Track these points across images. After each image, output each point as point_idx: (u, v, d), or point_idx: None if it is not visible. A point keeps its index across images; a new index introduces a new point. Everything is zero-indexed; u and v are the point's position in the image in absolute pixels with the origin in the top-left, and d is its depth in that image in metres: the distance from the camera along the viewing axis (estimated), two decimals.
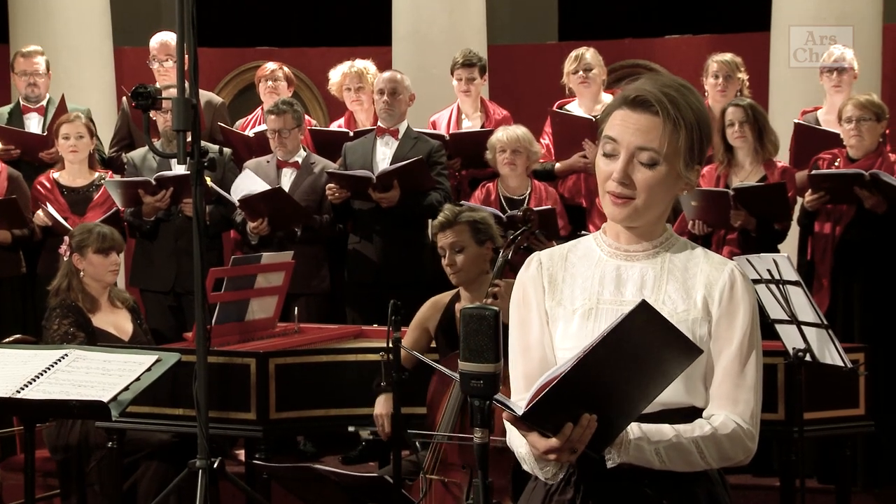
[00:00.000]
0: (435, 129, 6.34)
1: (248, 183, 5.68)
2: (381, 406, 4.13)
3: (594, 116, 5.89)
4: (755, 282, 3.96)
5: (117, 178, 6.12)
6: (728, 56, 6.04)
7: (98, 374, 3.57)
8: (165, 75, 6.51)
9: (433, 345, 4.38)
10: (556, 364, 2.18)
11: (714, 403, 2.15)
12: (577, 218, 5.97)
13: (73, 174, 6.06)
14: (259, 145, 6.18)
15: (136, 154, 6.05)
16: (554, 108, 6.20)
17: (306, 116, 6.45)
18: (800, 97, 6.47)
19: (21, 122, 6.49)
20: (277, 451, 4.90)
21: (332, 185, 5.75)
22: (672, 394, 2.07)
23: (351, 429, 4.29)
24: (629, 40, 8.70)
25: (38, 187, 6.05)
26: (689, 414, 2.14)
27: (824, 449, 5.13)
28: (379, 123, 6.00)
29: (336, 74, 6.50)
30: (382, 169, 5.72)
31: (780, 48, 6.91)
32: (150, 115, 4.00)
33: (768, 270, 3.97)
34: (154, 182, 5.70)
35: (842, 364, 3.93)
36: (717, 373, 2.15)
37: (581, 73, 6.08)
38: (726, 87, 5.98)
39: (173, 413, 4.46)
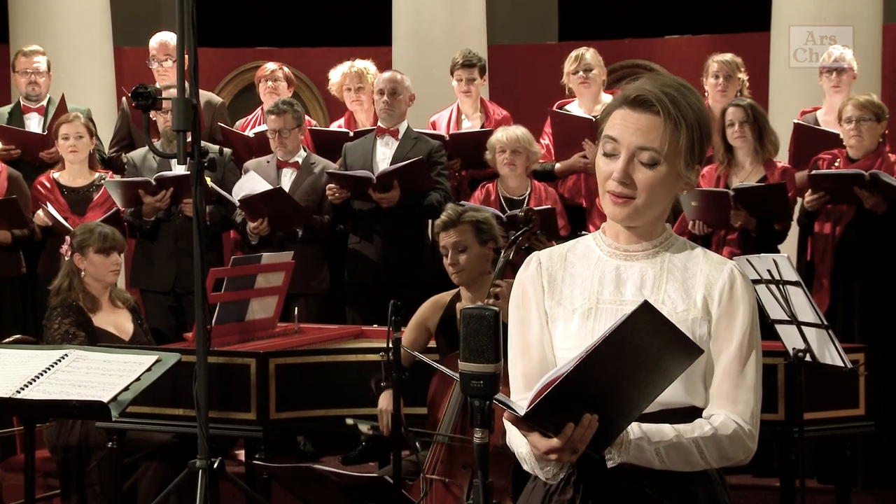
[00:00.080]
0: (435, 129, 6.35)
1: (252, 184, 5.68)
2: (386, 401, 4.12)
3: (594, 116, 5.89)
4: (755, 282, 3.96)
5: (117, 178, 6.12)
6: (728, 56, 6.04)
7: (98, 375, 3.57)
8: (165, 75, 6.51)
9: (432, 344, 4.38)
10: (555, 364, 2.18)
11: (714, 403, 2.15)
12: (577, 218, 5.97)
13: (73, 174, 6.06)
14: (259, 145, 6.18)
15: (137, 154, 6.05)
16: (554, 109, 6.20)
17: (306, 117, 6.45)
18: (800, 97, 6.47)
19: (21, 121, 6.49)
20: (277, 451, 4.90)
21: (332, 185, 5.75)
22: (672, 394, 2.07)
23: (349, 421, 4.28)
24: (629, 40, 8.70)
25: (39, 187, 6.05)
26: (689, 414, 2.14)
27: (824, 449, 5.13)
28: (379, 124, 6.00)
29: (336, 74, 6.50)
30: (382, 169, 5.72)
31: (780, 48, 6.91)
32: (150, 116, 3.99)
33: (768, 271, 3.97)
34: (154, 182, 5.70)
35: (842, 364, 3.93)
36: (716, 372, 2.15)
37: (581, 73, 6.08)
38: (726, 87, 5.98)
39: (173, 413, 4.46)
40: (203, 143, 3.97)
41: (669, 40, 8.67)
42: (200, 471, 3.70)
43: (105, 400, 3.44)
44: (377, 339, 4.79)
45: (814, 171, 5.36)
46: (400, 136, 5.92)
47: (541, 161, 5.94)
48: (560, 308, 2.21)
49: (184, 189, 5.59)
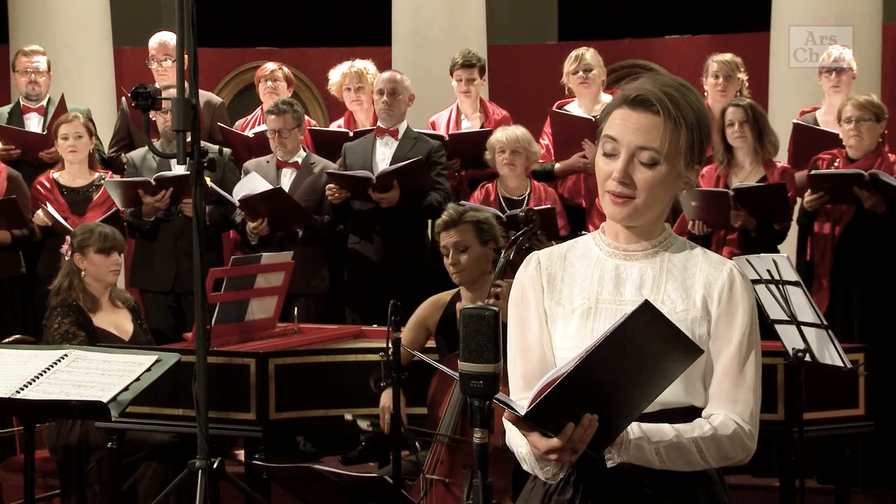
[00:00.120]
0: (434, 129, 6.35)
1: (254, 185, 5.67)
2: (389, 399, 4.11)
3: (593, 117, 5.89)
4: (755, 282, 3.96)
5: (117, 178, 6.12)
6: (728, 56, 6.04)
7: (98, 375, 3.57)
8: (164, 75, 6.51)
9: (430, 344, 4.38)
10: (554, 364, 2.18)
11: (713, 403, 2.15)
12: (576, 218, 5.97)
13: (72, 174, 6.06)
14: (259, 145, 6.18)
15: (136, 154, 6.05)
16: (553, 109, 6.20)
17: (306, 117, 6.45)
18: (800, 97, 6.47)
19: (21, 122, 6.49)
20: (277, 451, 4.90)
21: (331, 185, 5.75)
22: (671, 393, 2.07)
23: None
24: (629, 40, 8.70)
25: (38, 187, 6.05)
26: (689, 413, 2.14)
27: (824, 449, 5.13)
28: (378, 124, 6.00)
29: (336, 74, 6.50)
30: (382, 169, 5.72)
31: (779, 48, 6.91)
32: (150, 116, 3.99)
33: (768, 271, 3.97)
34: (154, 182, 5.70)
35: (841, 364, 3.93)
36: (716, 372, 2.15)
37: (581, 73, 6.08)
38: (726, 87, 5.98)
39: (173, 413, 4.46)
40: (203, 143, 3.97)
41: (669, 40, 8.67)
42: (200, 471, 3.70)
43: (105, 400, 3.44)
44: (377, 339, 4.79)
45: (813, 171, 5.36)
46: (399, 136, 5.92)
47: (540, 161, 5.94)
48: (559, 308, 2.21)
49: (183, 189, 5.59)
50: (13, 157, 6.29)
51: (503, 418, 2.02)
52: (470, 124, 6.37)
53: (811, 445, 5.00)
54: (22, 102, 6.55)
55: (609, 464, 2.05)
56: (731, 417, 2.12)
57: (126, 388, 3.52)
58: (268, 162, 5.93)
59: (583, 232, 5.22)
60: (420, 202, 5.72)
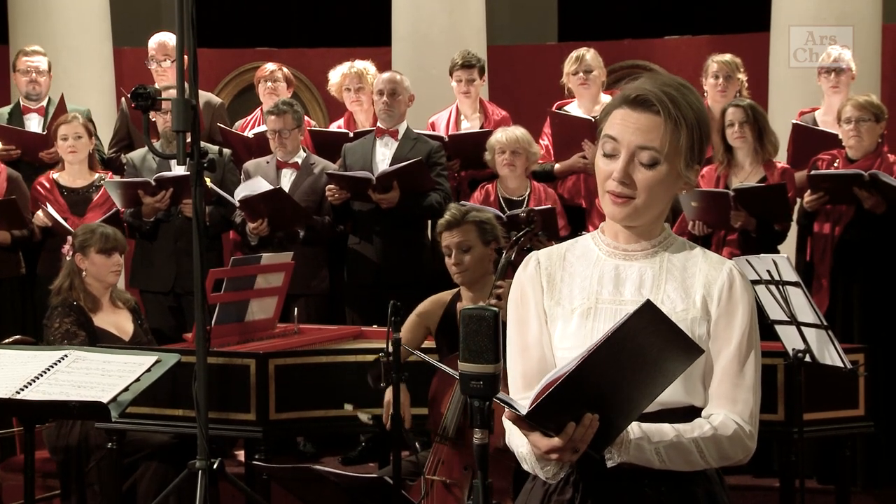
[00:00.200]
0: (434, 130, 6.34)
1: (256, 187, 5.67)
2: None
3: (593, 117, 5.89)
4: (755, 282, 3.96)
5: (117, 178, 6.12)
6: (728, 56, 6.04)
7: (98, 375, 3.57)
8: (163, 75, 6.51)
9: (429, 344, 4.37)
10: (554, 364, 2.18)
11: (713, 403, 2.15)
12: (576, 218, 5.97)
13: (72, 175, 6.06)
14: (258, 146, 6.18)
15: (136, 155, 6.05)
16: (553, 109, 6.20)
17: (306, 117, 6.45)
18: (799, 97, 6.47)
19: (21, 122, 6.49)
20: (277, 451, 4.90)
21: (331, 185, 5.75)
22: (671, 393, 2.07)
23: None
24: (629, 41, 8.70)
25: (38, 188, 6.05)
26: (689, 413, 2.14)
27: (824, 449, 5.13)
28: (378, 124, 6.00)
29: (335, 75, 6.49)
30: (382, 170, 5.72)
31: (779, 48, 6.91)
32: (150, 116, 3.99)
33: (768, 271, 3.97)
34: (154, 183, 5.70)
35: (841, 365, 3.93)
36: (716, 372, 2.15)
37: (581, 74, 6.08)
38: (726, 88, 5.98)
39: (173, 414, 4.47)
40: (202, 143, 3.97)
41: (669, 41, 8.67)
42: (200, 471, 3.70)
43: (105, 400, 3.44)
44: (377, 339, 4.79)
45: (813, 172, 5.36)
46: (399, 136, 5.92)
47: (540, 162, 5.94)
48: (559, 308, 2.21)
49: (183, 189, 5.59)
50: (13, 157, 6.29)
51: (503, 418, 2.02)
52: (469, 125, 6.37)
53: (811, 446, 5.00)
54: (22, 103, 6.56)
55: (609, 464, 2.05)
56: (731, 417, 2.12)
57: (126, 389, 3.52)
58: (268, 162, 5.93)
59: (583, 232, 5.23)
60: (420, 203, 5.72)
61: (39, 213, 5.92)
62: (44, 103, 6.54)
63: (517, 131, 5.75)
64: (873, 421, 4.52)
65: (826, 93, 5.92)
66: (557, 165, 6.05)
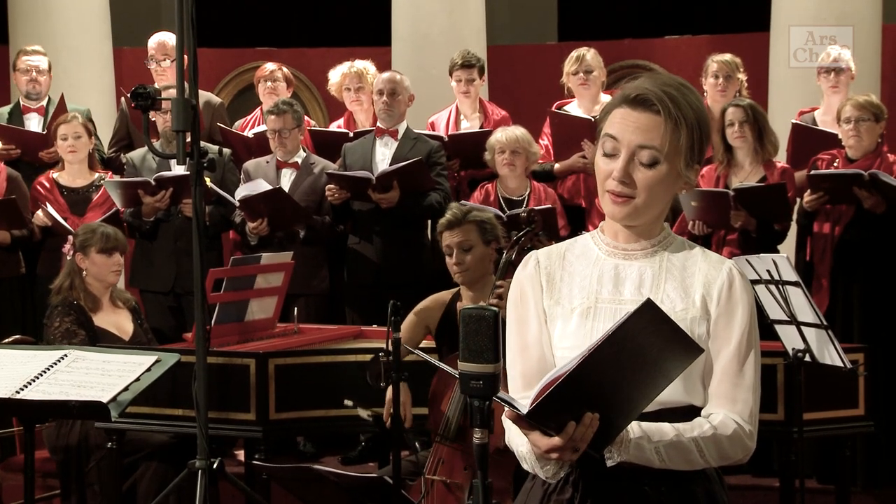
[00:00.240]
0: (433, 129, 6.34)
1: (257, 188, 5.67)
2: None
3: (593, 117, 5.89)
4: (755, 282, 3.96)
5: (117, 178, 6.12)
6: (727, 56, 6.04)
7: (97, 375, 3.58)
8: (163, 75, 6.52)
9: (427, 343, 4.37)
10: (554, 363, 2.18)
11: (713, 402, 2.15)
12: (576, 218, 5.97)
13: (72, 174, 6.06)
14: (258, 146, 6.18)
15: (136, 154, 6.05)
16: (553, 109, 6.20)
17: (305, 117, 6.45)
18: (799, 97, 6.47)
19: (21, 122, 6.49)
20: (277, 451, 4.90)
21: (331, 185, 5.75)
22: (671, 393, 2.07)
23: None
24: (629, 41, 8.70)
25: (38, 187, 6.05)
26: (688, 413, 2.14)
27: (824, 449, 5.13)
28: (378, 124, 6.00)
29: (335, 75, 6.49)
30: (382, 170, 5.72)
31: (779, 48, 6.91)
32: (150, 116, 3.99)
33: (768, 271, 3.97)
34: (153, 182, 5.70)
35: (841, 364, 3.93)
36: (715, 372, 2.15)
37: (581, 74, 6.07)
38: (726, 88, 5.98)
39: (173, 413, 4.47)
40: (202, 143, 3.97)
41: (669, 40, 8.67)
42: (200, 471, 3.71)
43: (104, 400, 3.44)
44: (377, 339, 4.79)
45: (813, 172, 5.36)
46: (399, 136, 5.92)
47: (540, 161, 5.93)
48: (559, 307, 2.21)
49: (183, 189, 5.59)
50: (13, 156, 6.29)
51: (503, 417, 2.02)
52: (469, 125, 6.37)
53: (811, 445, 5.00)
54: (22, 102, 6.56)
55: (609, 463, 2.05)
56: (730, 417, 2.12)
57: (126, 389, 3.52)
58: (267, 162, 5.92)
59: (582, 232, 5.23)
60: (420, 202, 5.72)
61: (39, 212, 5.92)
62: (43, 103, 6.54)
63: (517, 131, 5.75)
64: (873, 421, 4.52)
65: (825, 93, 5.92)
66: (557, 165, 6.05)
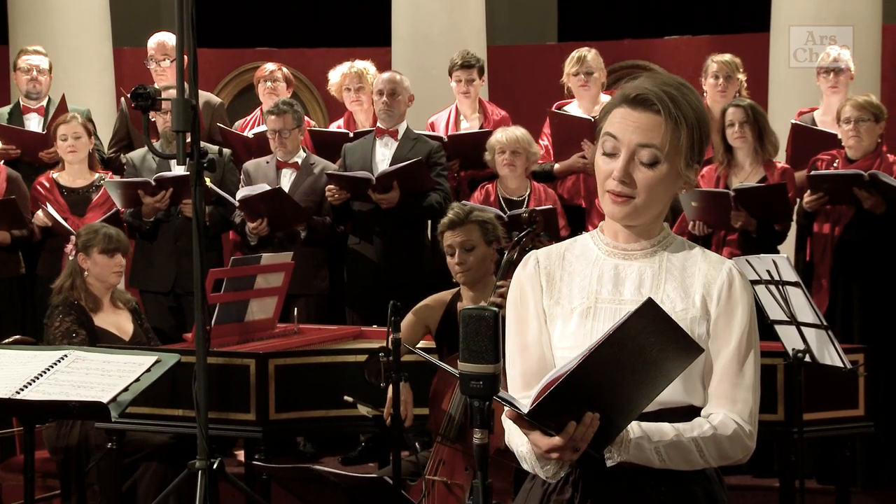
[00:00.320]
0: (433, 130, 6.34)
1: (258, 190, 5.67)
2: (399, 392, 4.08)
3: (593, 117, 5.88)
4: (755, 282, 3.96)
5: (117, 178, 6.12)
6: (727, 56, 6.04)
7: (97, 375, 3.57)
8: (162, 75, 6.52)
9: (426, 343, 4.37)
10: (553, 363, 2.18)
11: (713, 402, 2.15)
12: (576, 218, 5.97)
13: (73, 175, 6.06)
14: (258, 146, 6.18)
15: (136, 155, 6.05)
16: (553, 109, 6.20)
17: (305, 117, 6.45)
18: (799, 97, 6.47)
19: (21, 122, 6.50)
20: (277, 451, 4.90)
21: (331, 186, 5.75)
22: (671, 393, 2.07)
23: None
24: (628, 41, 8.70)
25: (38, 188, 6.05)
26: (688, 413, 2.14)
27: (824, 449, 5.13)
28: (378, 124, 6.00)
29: (335, 75, 6.49)
30: (382, 170, 5.72)
31: (779, 48, 6.91)
32: (150, 116, 3.99)
33: (768, 271, 3.97)
34: (153, 183, 5.70)
35: (841, 365, 3.93)
36: (715, 372, 2.15)
37: (582, 76, 6.06)
38: (726, 88, 5.98)
39: (173, 414, 4.47)
40: (202, 143, 3.97)
41: (669, 41, 8.67)
42: (200, 471, 3.70)
43: (104, 400, 3.44)
44: (377, 339, 4.78)
45: (813, 172, 5.36)
46: (399, 136, 5.92)
47: (539, 162, 5.93)
48: (558, 307, 2.21)
49: (183, 189, 5.59)
50: (12, 156, 6.29)
51: (503, 416, 2.02)
52: (469, 125, 6.37)
53: (811, 446, 5.00)
54: (22, 102, 6.56)
55: (609, 463, 2.05)
56: (730, 417, 2.12)
57: (126, 389, 3.52)
58: (267, 162, 5.92)
59: (582, 232, 5.22)
60: (420, 203, 5.72)
61: (39, 212, 5.92)
62: (43, 103, 6.54)
63: (517, 131, 5.75)
64: (873, 421, 4.52)
65: (825, 93, 5.92)
66: (557, 165, 6.05)
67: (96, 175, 6.11)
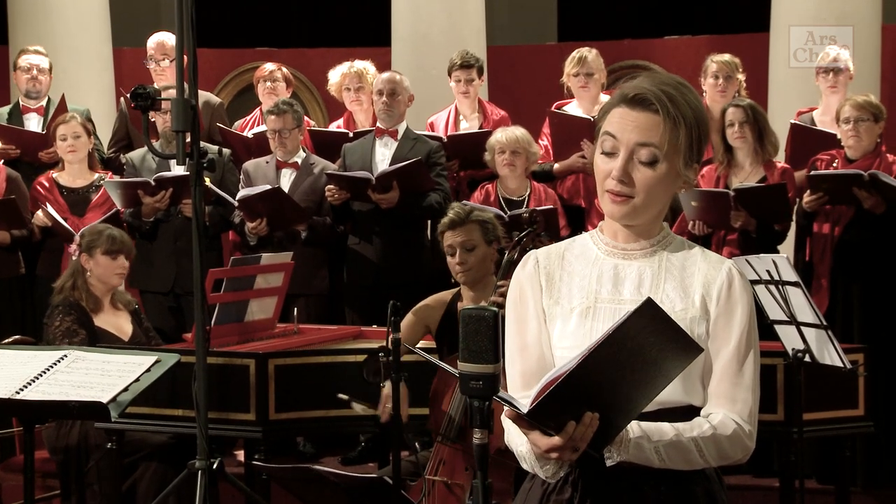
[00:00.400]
0: (433, 130, 6.35)
1: (257, 191, 5.67)
2: (391, 390, 4.08)
3: (592, 117, 5.88)
4: (754, 282, 3.96)
5: (117, 178, 6.12)
6: (727, 56, 6.04)
7: (97, 375, 3.57)
8: (162, 75, 6.52)
9: (426, 343, 4.37)
10: (553, 363, 2.18)
11: (712, 402, 2.15)
12: (576, 218, 5.97)
13: (72, 175, 6.06)
14: (258, 146, 6.18)
15: (136, 154, 6.05)
16: (552, 109, 6.20)
17: (305, 117, 6.45)
18: (799, 97, 6.47)
19: (21, 122, 6.50)
20: (277, 451, 4.89)
21: (331, 186, 5.75)
22: (670, 393, 2.07)
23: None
24: (628, 41, 8.70)
25: (38, 188, 6.05)
26: (687, 413, 2.14)
27: (824, 449, 5.13)
28: (378, 124, 6.00)
29: (335, 75, 6.49)
30: (382, 170, 5.72)
31: (779, 48, 6.91)
32: (150, 116, 3.99)
33: (767, 271, 3.97)
34: (153, 183, 5.70)
35: (841, 365, 3.93)
36: (715, 371, 2.15)
37: (582, 77, 6.06)
38: (726, 88, 5.98)
39: (173, 414, 4.47)
40: (202, 143, 3.97)
41: (669, 41, 8.67)
42: (200, 471, 3.70)
43: (104, 400, 3.44)
44: (377, 339, 4.78)
45: (812, 172, 5.36)
46: (399, 136, 5.92)
47: (539, 162, 5.93)
48: (558, 307, 2.21)
49: (183, 189, 5.59)
50: (12, 156, 6.29)
51: (503, 416, 2.02)
52: (468, 125, 6.37)
53: (811, 445, 5.00)
54: (22, 102, 6.55)
55: (608, 463, 2.05)
56: (730, 417, 2.12)
57: (126, 389, 3.52)
58: (267, 162, 5.92)
59: (582, 232, 5.22)
60: (420, 203, 5.72)
61: (39, 212, 5.92)
62: (43, 103, 6.54)
63: (517, 131, 5.75)
64: (873, 421, 4.52)
65: (824, 93, 5.92)
66: (557, 165, 6.05)
67: (96, 175, 6.10)
